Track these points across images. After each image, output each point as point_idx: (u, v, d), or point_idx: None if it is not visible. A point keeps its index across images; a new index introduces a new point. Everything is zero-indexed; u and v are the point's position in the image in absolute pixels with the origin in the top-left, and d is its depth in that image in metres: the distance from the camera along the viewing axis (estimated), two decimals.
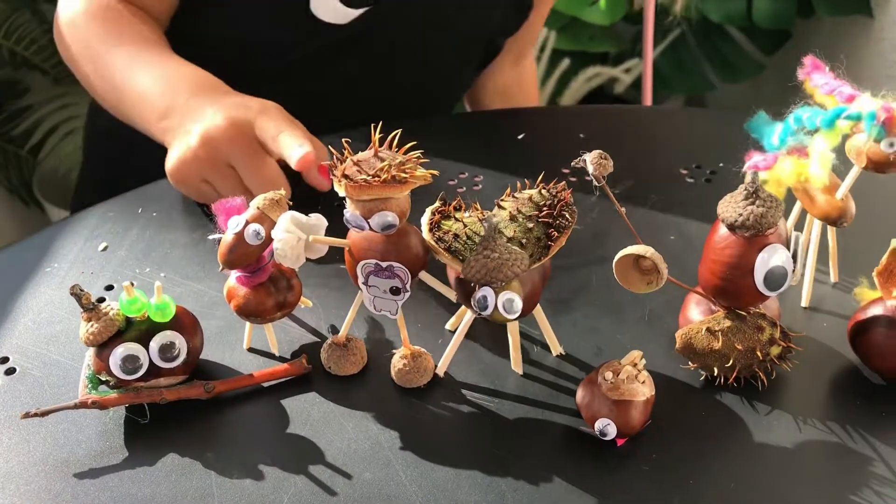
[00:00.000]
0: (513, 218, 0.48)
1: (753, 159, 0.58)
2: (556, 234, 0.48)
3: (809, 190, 0.55)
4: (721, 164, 0.73)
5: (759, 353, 0.51)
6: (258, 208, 0.51)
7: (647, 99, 1.63)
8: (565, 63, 1.86)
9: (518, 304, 0.45)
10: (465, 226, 0.49)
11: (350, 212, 0.46)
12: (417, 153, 0.46)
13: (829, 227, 0.58)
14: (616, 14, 1.86)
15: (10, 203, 1.92)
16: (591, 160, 0.45)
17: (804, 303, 0.59)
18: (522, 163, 0.74)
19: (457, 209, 0.51)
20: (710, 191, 0.69)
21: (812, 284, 0.58)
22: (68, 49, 0.80)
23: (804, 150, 0.54)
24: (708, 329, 0.51)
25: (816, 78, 0.54)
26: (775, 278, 0.49)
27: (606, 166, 0.45)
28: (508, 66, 1.02)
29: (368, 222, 0.46)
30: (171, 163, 0.66)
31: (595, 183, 0.45)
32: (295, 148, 0.62)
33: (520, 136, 0.77)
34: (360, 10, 0.78)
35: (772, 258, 0.48)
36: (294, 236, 0.48)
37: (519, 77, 1.06)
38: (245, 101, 0.67)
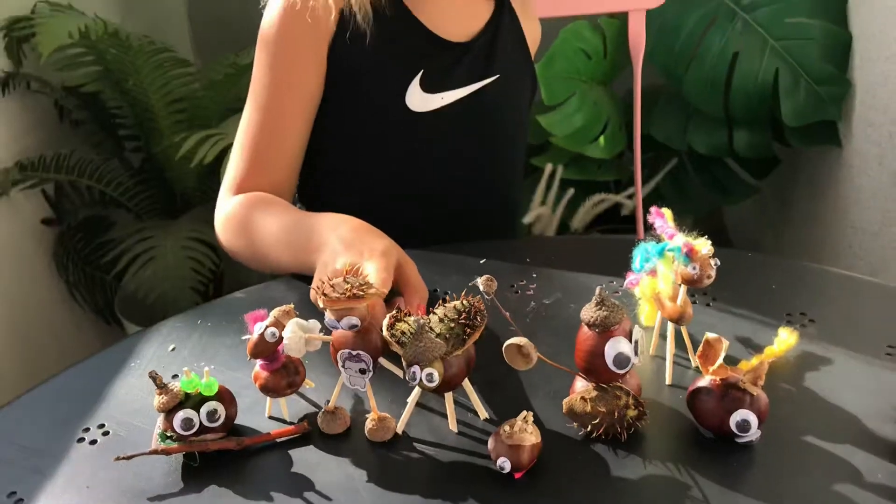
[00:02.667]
0: (441, 320, 0.72)
1: (630, 278, 0.81)
2: (470, 331, 0.71)
3: (661, 298, 0.78)
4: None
5: (617, 415, 0.72)
6: (274, 317, 0.75)
7: (640, 230, 1.85)
8: (571, 191, 2.10)
9: (436, 377, 0.68)
10: (410, 326, 0.72)
11: (328, 317, 0.71)
12: (369, 278, 0.71)
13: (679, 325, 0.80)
14: (615, 148, 2.10)
15: (95, 323, 2.21)
16: (481, 281, 0.68)
17: (668, 381, 0.80)
18: None
19: (407, 315, 0.74)
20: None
21: (672, 367, 0.80)
22: (234, 232, 1.10)
23: (655, 271, 0.78)
24: (582, 397, 0.73)
25: (657, 222, 0.77)
26: (620, 361, 0.70)
27: (492, 286, 0.68)
28: None
29: (340, 324, 0.70)
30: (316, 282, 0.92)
31: (485, 297, 0.68)
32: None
33: (482, 261, 1.02)
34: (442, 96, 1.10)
35: (616, 347, 0.70)
36: (297, 335, 0.73)
37: None
38: (366, 244, 0.92)
